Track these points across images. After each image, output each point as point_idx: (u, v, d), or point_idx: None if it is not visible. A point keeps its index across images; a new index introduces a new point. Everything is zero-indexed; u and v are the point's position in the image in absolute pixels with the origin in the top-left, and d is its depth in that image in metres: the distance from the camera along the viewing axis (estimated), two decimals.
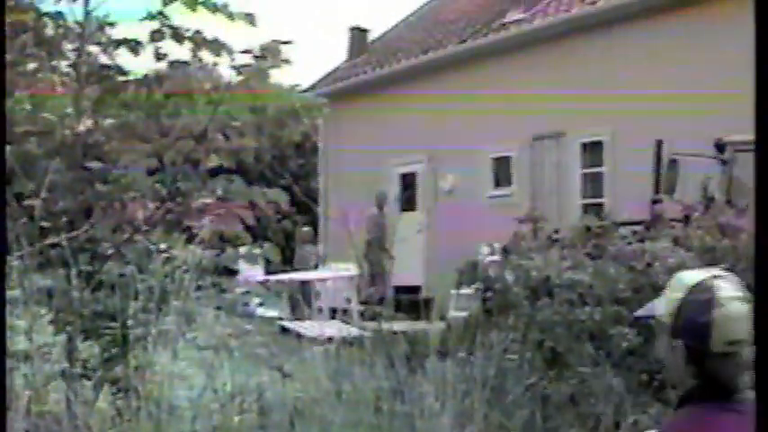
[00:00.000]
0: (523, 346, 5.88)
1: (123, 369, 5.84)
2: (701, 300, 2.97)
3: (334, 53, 48.55)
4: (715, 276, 3.04)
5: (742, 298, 2.90)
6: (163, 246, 6.68)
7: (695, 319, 2.95)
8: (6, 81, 5.28)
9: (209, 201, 6.81)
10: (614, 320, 5.78)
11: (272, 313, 14.79)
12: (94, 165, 6.80)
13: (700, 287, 3.00)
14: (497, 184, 20.18)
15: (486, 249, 6.99)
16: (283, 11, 69.31)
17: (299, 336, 8.64)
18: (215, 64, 6.72)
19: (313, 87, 26.04)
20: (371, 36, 27.16)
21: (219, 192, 6.83)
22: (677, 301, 3.01)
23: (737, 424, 2.79)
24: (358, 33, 26.88)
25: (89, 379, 5.93)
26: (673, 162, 11.95)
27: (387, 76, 23.15)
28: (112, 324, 5.88)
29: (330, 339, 8.32)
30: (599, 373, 5.38)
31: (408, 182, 22.56)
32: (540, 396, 5.49)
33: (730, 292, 2.94)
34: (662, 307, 3.09)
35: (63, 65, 7.12)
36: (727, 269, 6.05)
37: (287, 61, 6.64)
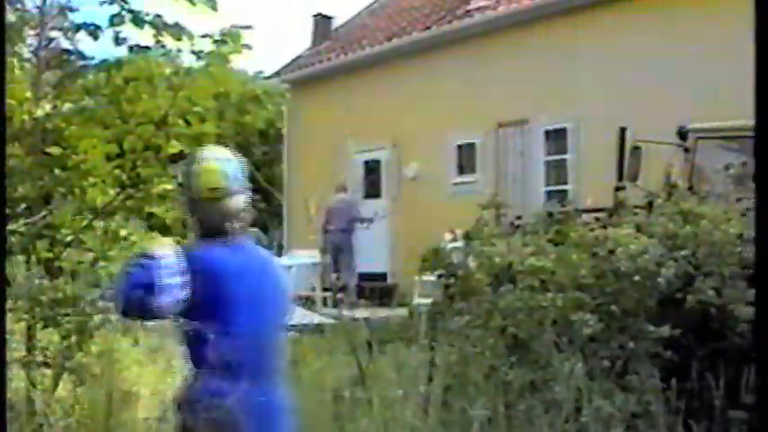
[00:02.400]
0: (486, 332, 5.87)
1: (83, 357, 5.78)
2: (190, 161, 4.21)
3: (298, 40, 48.39)
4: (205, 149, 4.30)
5: (218, 159, 4.13)
6: (123, 232, 6.62)
7: (186, 174, 4.14)
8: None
9: (169, 186, 6.76)
10: (576, 307, 5.78)
11: None
12: (54, 150, 6.74)
13: (193, 156, 4.23)
14: (461, 171, 20.16)
15: (448, 236, 6.96)
16: None
17: None
18: (179, 50, 6.65)
19: (277, 74, 25.96)
20: (336, 23, 27.08)
21: (180, 178, 6.78)
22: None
23: (223, 252, 3.93)
24: (322, 20, 26.78)
25: (49, 367, 5.87)
26: (636, 149, 11.97)
27: (351, 63, 23.07)
28: (72, 311, 5.82)
29: (293, 327, 8.28)
30: (561, 359, 5.37)
31: (372, 169, 22.52)
32: (502, 382, 5.48)
33: (209, 155, 4.18)
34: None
35: (25, 51, 7.05)
36: (691, 255, 6.09)
37: (248, 46, 6.59)
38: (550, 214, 6.90)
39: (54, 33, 6.94)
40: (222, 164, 4.13)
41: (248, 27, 6.60)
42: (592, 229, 6.57)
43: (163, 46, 6.67)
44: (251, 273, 4.06)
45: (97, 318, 5.89)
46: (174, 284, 3.73)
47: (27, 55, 7.04)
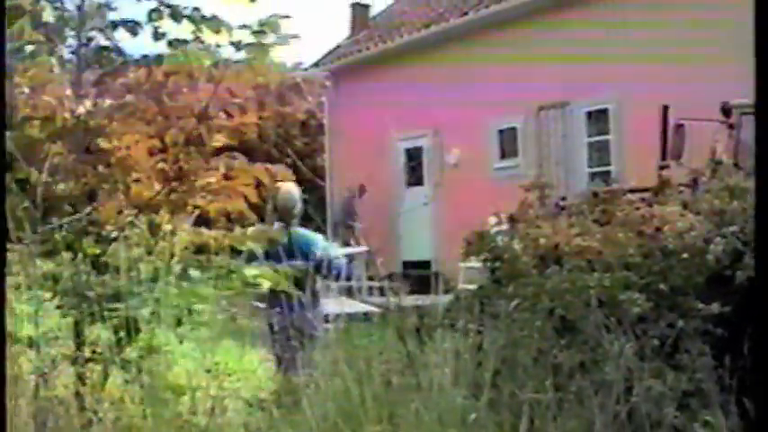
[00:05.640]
0: (533, 315, 5.83)
1: (132, 351, 5.80)
2: None
3: (337, 31, 48.36)
4: None
5: None
6: (168, 227, 6.63)
7: None
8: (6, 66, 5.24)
9: (212, 180, 6.78)
10: (624, 286, 5.72)
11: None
12: (101, 145, 6.77)
13: None
14: (503, 155, 20.14)
15: (493, 219, 6.93)
16: None
17: None
18: (218, 45, 6.67)
19: (316, 65, 26.02)
20: (373, 12, 27.07)
21: (222, 170, 6.80)
22: None
23: None
24: (359, 9, 26.80)
25: (97, 362, 5.90)
26: (679, 127, 11.90)
27: (389, 52, 23.07)
28: (119, 306, 5.83)
29: (348, 317, 8.26)
30: (610, 339, 5.33)
31: (414, 156, 22.50)
32: (552, 365, 5.44)
33: None
34: None
35: (65, 52, 7.08)
36: (739, 231, 6.01)
37: (294, 35, 6.59)
38: (595, 194, 6.85)
39: (93, 33, 6.97)
40: None
41: (286, 17, 6.59)
42: (637, 208, 6.50)
43: (201, 40, 6.68)
44: None
45: (146, 311, 5.90)
46: None
47: (68, 56, 7.08)
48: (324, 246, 8.89)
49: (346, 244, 18.97)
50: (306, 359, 6.20)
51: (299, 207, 8.95)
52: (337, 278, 9.04)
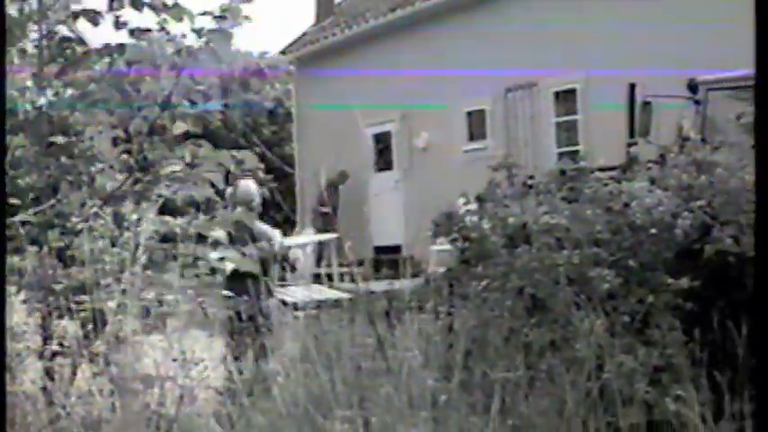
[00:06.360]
0: (503, 294, 5.81)
1: (101, 344, 5.75)
2: None
3: (303, 18, 48.20)
4: None
5: None
6: (134, 217, 6.57)
7: None
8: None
9: (177, 168, 6.72)
10: (593, 263, 5.71)
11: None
12: (59, 139, 6.70)
13: None
14: (472, 138, 20.11)
15: (462, 200, 6.90)
16: None
17: (285, 303, 8.57)
18: (183, 36, 6.61)
19: (282, 53, 25.92)
20: None
21: (188, 158, 6.74)
22: None
23: None
24: None
25: (66, 356, 5.85)
26: (646, 104, 11.91)
27: (355, 37, 22.99)
28: (86, 299, 5.78)
29: (317, 305, 8.29)
30: (580, 316, 5.32)
31: (382, 141, 22.47)
32: (522, 344, 5.43)
33: None
34: None
35: (29, 46, 7.01)
36: (707, 205, 6.00)
37: (247, 18, 6.53)
38: (563, 172, 6.82)
39: (56, 26, 6.90)
40: None
41: (248, 1, 6.54)
42: (605, 185, 6.49)
43: (163, 28, 6.62)
44: None
45: (112, 303, 5.85)
46: None
47: (31, 50, 7.01)
48: (280, 240, 9.17)
49: (324, 231, 18.96)
50: (270, 346, 6.23)
51: (257, 201, 9.17)
52: (293, 269, 9.58)
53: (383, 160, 22.44)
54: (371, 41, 22.46)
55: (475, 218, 6.66)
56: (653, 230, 5.92)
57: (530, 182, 7.39)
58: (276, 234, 9.31)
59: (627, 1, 16.54)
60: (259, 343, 6.60)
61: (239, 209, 8.81)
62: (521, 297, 5.80)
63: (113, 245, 6.11)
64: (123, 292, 5.80)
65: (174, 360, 5.50)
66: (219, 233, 6.91)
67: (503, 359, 5.29)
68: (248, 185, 9.11)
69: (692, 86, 11.79)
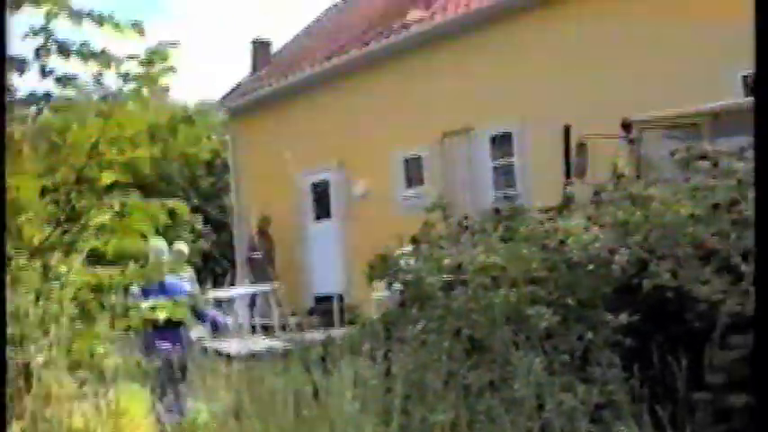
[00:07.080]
0: (441, 336, 5.72)
1: (31, 400, 5.56)
2: None
3: (239, 69, 48.22)
4: None
5: None
6: (63, 268, 6.42)
7: None
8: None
9: (106, 218, 6.57)
10: (531, 301, 5.66)
11: (194, 334, 14.53)
12: None
13: None
14: (410, 184, 20.08)
15: (396, 243, 6.83)
16: (186, 31, 69.04)
17: (220, 354, 8.44)
18: (113, 84, 6.49)
19: (220, 103, 25.82)
20: (274, 48, 26.96)
21: (116, 207, 6.60)
22: None
23: None
24: (260, 46, 26.67)
25: None
26: (581, 146, 11.95)
27: (291, 86, 22.94)
28: (12, 354, 5.60)
29: (252, 355, 8.16)
30: (519, 356, 5.24)
31: (320, 190, 22.38)
32: (461, 385, 5.34)
33: None
34: None
35: None
36: (643, 240, 5.97)
37: (171, 68, 6.41)
38: (497, 210, 6.78)
39: None
40: None
41: (174, 44, 6.43)
42: (541, 223, 6.46)
43: (93, 75, 6.50)
44: None
45: (41, 358, 5.67)
46: None
47: None
48: (198, 292, 10.21)
49: (262, 280, 18.80)
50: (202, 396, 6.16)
51: (166, 258, 10.23)
52: (215, 326, 10.62)
53: (322, 208, 22.35)
54: (308, 90, 22.42)
55: (411, 260, 6.59)
56: (590, 267, 5.89)
57: (465, 222, 7.34)
58: (186, 287, 10.24)
59: (560, 45, 16.65)
60: (182, 391, 6.50)
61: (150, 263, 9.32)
62: (458, 338, 5.72)
63: (36, 298, 5.94)
64: (50, 346, 5.62)
65: (97, 409, 5.33)
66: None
67: (442, 402, 5.19)
68: (157, 244, 9.84)
69: (626, 126, 11.85)
